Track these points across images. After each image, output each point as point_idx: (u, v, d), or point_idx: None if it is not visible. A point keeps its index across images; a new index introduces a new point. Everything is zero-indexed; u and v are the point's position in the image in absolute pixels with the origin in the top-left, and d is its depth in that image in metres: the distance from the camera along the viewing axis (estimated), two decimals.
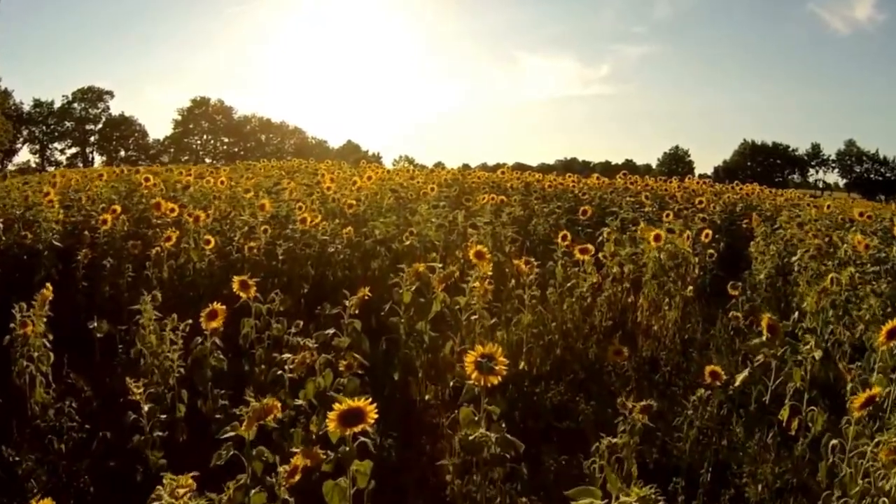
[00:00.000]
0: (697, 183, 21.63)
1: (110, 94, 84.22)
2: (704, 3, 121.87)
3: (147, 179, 9.82)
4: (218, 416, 4.02)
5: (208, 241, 6.14)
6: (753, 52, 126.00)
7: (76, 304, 6.52)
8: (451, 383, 4.23)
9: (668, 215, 9.68)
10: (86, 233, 7.12)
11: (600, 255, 7.00)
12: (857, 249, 8.26)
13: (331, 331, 4.03)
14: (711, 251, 9.41)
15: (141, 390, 3.49)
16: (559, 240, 6.54)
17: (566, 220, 11.56)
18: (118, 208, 7.38)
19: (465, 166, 30.52)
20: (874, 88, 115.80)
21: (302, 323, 4.57)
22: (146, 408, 3.56)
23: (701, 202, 14.04)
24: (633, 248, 6.90)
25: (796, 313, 6.15)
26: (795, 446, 4.28)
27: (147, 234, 7.39)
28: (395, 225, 7.35)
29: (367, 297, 4.04)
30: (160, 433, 3.76)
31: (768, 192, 19.51)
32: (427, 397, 4.42)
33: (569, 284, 6.32)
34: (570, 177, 17.57)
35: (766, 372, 4.75)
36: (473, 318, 4.52)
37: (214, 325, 3.90)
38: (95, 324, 4.90)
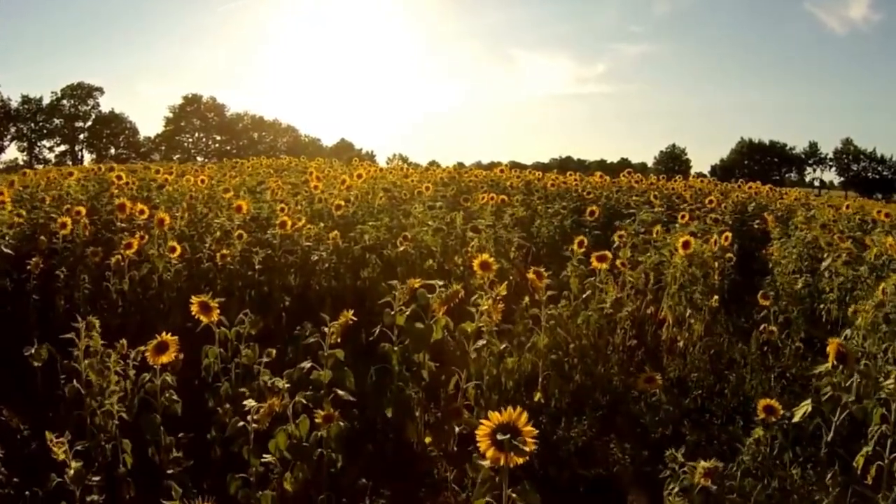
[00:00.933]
0: (701, 181, 20.92)
1: (100, 90, 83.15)
2: (702, 2, 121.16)
3: (119, 178, 9.04)
4: (170, 470, 3.26)
5: (174, 249, 5.37)
6: (750, 51, 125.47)
7: (28, 321, 5.77)
8: (458, 429, 3.47)
9: (683, 217, 9.02)
10: (42, 238, 6.34)
11: (617, 262, 6.25)
12: (891, 253, 7.59)
13: (307, 364, 3.28)
14: (730, 255, 8.69)
15: (64, 448, 2.73)
16: (575, 246, 5.79)
17: (571, 222, 10.84)
18: (82, 210, 6.62)
19: (460, 165, 29.71)
20: (870, 87, 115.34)
21: (276, 351, 3.84)
22: (72, 469, 2.79)
23: (711, 201, 13.35)
24: (657, 254, 6.16)
25: (848, 331, 5.40)
26: (876, 499, 3.53)
27: (113, 239, 6.62)
28: (387, 228, 6.61)
29: (351, 321, 3.30)
30: (97, 497, 3.00)
31: (777, 192, 18.79)
32: (427, 440, 3.65)
33: (584, 296, 5.60)
34: (571, 175, 16.83)
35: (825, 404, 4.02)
36: (481, 343, 3.75)
37: (164, 360, 3.14)
38: (32, 350, 4.11)
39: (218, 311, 3.52)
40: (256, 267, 5.60)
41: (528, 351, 4.19)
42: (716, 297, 6.74)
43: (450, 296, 3.36)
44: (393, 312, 3.57)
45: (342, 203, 7.49)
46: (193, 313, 3.52)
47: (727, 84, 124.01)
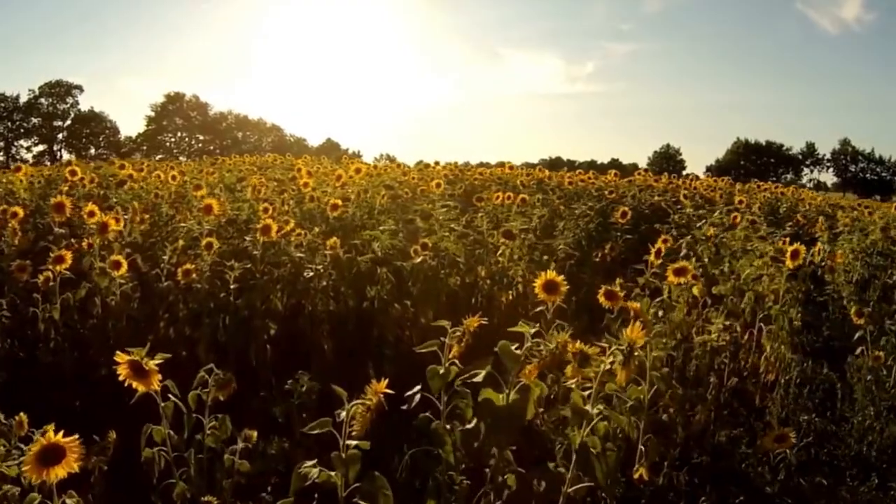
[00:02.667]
0: (715, 180, 19.75)
1: (79, 88, 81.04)
2: (691, 0, 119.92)
3: (73, 173, 7.67)
4: None
5: (118, 264, 4.03)
6: (742, 50, 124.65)
7: None
8: None
9: (735, 218, 7.86)
10: None
11: (686, 278, 4.95)
12: None
13: (312, 471, 1.97)
14: None
15: None
16: (652, 256, 4.51)
17: (597, 224, 9.56)
18: (19, 211, 5.28)
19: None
20: (863, 88, 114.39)
21: (260, 400, 2.56)
22: None
23: (741, 202, 12.18)
24: (749, 266, 4.89)
25: None
26: None
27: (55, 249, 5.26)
28: (392, 233, 5.27)
29: (384, 403, 1.97)
30: None
31: (798, 192, 17.65)
32: None
33: (659, 322, 4.35)
34: (580, 173, 15.57)
35: None
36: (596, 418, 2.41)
37: (59, 473, 1.80)
38: None
39: (157, 376, 2.18)
40: (231, 286, 4.25)
41: (633, 412, 2.86)
42: (799, 315, 5.51)
43: (555, 356, 2.04)
44: (443, 371, 2.24)
45: (339, 203, 6.16)
46: (122, 378, 2.19)
47: (719, 83, 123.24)
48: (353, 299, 4.70)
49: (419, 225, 5.18)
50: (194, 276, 4.25)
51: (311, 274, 4.43)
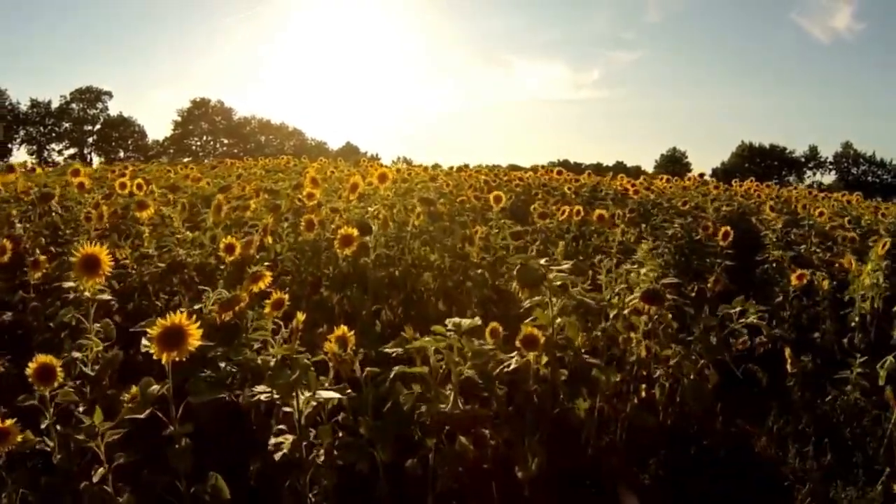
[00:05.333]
0: (758, 185, 17.04)
1: (109, 94, 78.85)
2: (694, 10, 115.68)
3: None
4: None
5: None
6: (741, 57, 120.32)
7: None
8: None
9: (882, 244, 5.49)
10: None
11: None
12: None
13: None
14: None
15: None
16: None
17: (683, 246, 6.94)
18: None
19: (465, 166, 25.79)
20: (858, 93, 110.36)
21: None
22: None
23: (821, 213, 9.56)
24: None
25: None
26: None
27: None
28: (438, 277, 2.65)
29: None
30: None
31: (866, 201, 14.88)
32: None
33: None
34: (623, 178, 12.89)
35: None
36: None
37: None
38: None
39: None
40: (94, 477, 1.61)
41: None
42: None
43: None
44: None
45: (353, 234, 3.54)
46: None
47: (718, 89, 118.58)
48: (385, 452, 2.08)
49: (519, 297, 2.53)
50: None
51: (284, 452, 1.80)
